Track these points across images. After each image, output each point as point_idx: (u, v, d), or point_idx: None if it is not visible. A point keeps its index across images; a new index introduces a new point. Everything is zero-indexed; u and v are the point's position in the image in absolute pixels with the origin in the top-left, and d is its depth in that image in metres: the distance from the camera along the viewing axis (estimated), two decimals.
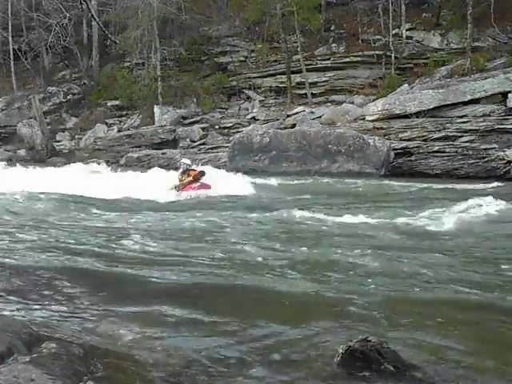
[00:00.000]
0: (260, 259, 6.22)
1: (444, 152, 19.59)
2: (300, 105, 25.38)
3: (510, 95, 20.12)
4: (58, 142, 28.04)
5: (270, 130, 21.76)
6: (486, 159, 18.92)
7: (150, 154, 24.25)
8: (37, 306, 4.21)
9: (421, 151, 19.84)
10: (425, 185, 15.67)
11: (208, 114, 26.68)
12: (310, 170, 18.95)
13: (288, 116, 24.39)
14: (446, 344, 3.68)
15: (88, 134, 27.94)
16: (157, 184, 13.61)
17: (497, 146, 19.17)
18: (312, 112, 23.96)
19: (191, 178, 13.73)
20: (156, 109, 27.19)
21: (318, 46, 27.31)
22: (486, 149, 19.18)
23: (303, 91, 26.21)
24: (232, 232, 8.02)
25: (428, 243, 7.32)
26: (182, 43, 29.36)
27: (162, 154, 23.87)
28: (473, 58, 22.45)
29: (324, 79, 26.61)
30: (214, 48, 29.37)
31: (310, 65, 26.49)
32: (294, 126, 22.92)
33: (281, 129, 22.28)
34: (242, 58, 28.85)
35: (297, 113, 24.33)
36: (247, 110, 27.10)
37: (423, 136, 20.34)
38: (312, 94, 25.86)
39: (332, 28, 27.89)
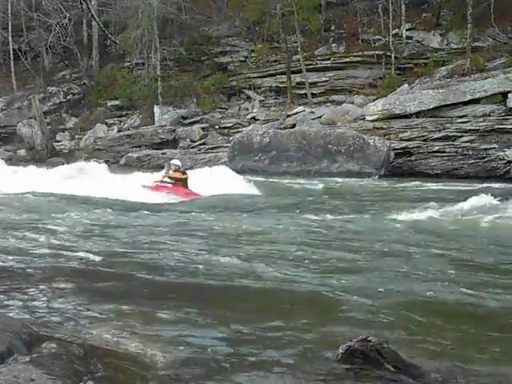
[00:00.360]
0: (260, 259, 6.22)
1: (444, 152, 19.60)
2: (300, 105, 25.38)
3: (510, 95, 20.12)
4: (58, 141, 28.04)
5: (269, 130, 21.76)
6: (486, 159, 18.92)
7: (149, 154, 24.25)
8: (37, 306, 4.21)
9: (421, 151, 19.85)
10: (425, 185, 15.68)
11: (208, 114, 26.68)
12: (309, 170, 18.96)
13: (288, 116, 24.39)
14: (446, 344, 3.68)
15: (88, 134, 27.94)
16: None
17: (497, 146, 19.18)
18: (312, 112, 23.96)
19: (185, 176, 13.56)
20: (156, 109, 27.19)
21: (318, 45, 27.30)
22: (486, 149, 19.18)
23: (303, 91, 26.20)
24: (230, 232, 8.02)
25: (428, 243, 7.32)
26: (181, 43, 29.36)
27: (162, 153, 23.86)
28: (473, 58, 22.44)
29: (324, 79, 26.60)
30: (214, 48, 29.36)
31: (310, 65, 26.49)
32: (293, 125, 22.92)
33: (281, 129, 22.28)
34: (242, 58, 28.85)
35: (297, 113, 24.33)
36: (247, 109, 27.10)
37: (423, 136, 20.35)
38: (312, 93, 25.86)
39: (332, 28, 27.89)
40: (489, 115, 20.20)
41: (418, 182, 16.21)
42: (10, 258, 5.86)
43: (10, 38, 30.31)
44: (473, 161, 19.11)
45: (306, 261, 6.16)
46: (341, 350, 3.01)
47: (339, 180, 17.24)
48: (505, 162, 18.48)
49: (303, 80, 25.91)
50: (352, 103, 24.25)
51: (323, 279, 5.41)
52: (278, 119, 24.46)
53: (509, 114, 19.96)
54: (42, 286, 4.77)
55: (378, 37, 26.35)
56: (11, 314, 3.77)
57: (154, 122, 27.02)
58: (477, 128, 19.94)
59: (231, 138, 22.83)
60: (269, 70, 27.74)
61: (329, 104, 25.26)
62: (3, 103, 30.27)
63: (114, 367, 2.90)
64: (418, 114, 20.85)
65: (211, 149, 23.71)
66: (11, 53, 29.95)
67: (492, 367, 3.34)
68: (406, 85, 23.55)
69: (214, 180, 14.11)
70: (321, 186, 15.93)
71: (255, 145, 20.40)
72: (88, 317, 4.03)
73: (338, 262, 6.10)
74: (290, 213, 9.96)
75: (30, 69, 31.40)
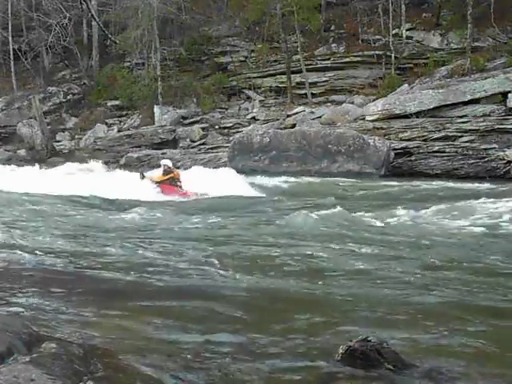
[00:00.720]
0: (259, 260, 6.22)
1: (444, 152, 19.60)
2: (300, 105, 25.39)
3: (510, 95, 20.13)
4: (58, 141, 28.03)
5: (270, 130, 21.76)
6: (486, 159, 18.92)
7: (149, 154, 24.24)
8: (37, 306, 4.21)
9: (421, 151, 19.84)
10: (425, 185, 15.68)
11: (208, 114, 26.68)
12: (310, 170, 18.95)
13: (288, 116, 24.40)
14: (446, 344, 3.68)
15: (88, 133, 27.94)
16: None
17: (497, 146, 19.18)
18: (312, 112, 23.96)
19: (169, 176, 13.48)
20: (156, 109, 27.19)
21: (318, 45, 27.30)
22: (486, 149, 19.18)
23: (303, 91, 26.21)
24: (229, 233, 8.02)
25: (428, 243, 7.32)
26: (181, 43, 29.36)
27: (162, 153, 23.84)
28: (473, 58, 22.45)
29: (324, 79, 26.61)
30: (214, 48, 29.37)
31: (310, 65, 26.49)
32: (294, 125, 22.93)
33: (281, 129, 22.28)
34: (242, 58, 28.85)
35: (297, 113, 24.33)
36: (247, 109, 27.11)
37: (423, 136, 20.35)
38: (312, 93, 25.86)
39: (332, 28, 27.89)
40: (489, 115, 20.21)
41: (417, 182, 16.20)
42: (10, 258, 5.86)
43: (10, 38, 30.31)
44: (473, 161, 19.11)
45: (304, 260, 6.16)
46: (341, 350, 3.01)
47: (339, 180, 17.24)
48: (505, 162, 18.48)
49: (303, 80, 25.92)
50: (352, 103, 24.25)
51: (322, 279, 5.41)
52: (278, 119, 24.47)
53: (509, 114, 19.97)
54: (41, 286, 4.77)
55: (377, 37, 26.36)
56: (11, 314, 3.77)
57: (154, 122, 27.02)
58: (477, 128, 19.95)
59: (231, 138, 22.83)
60: (269, 70, 27.74)
61: (329, 104, 25.26)
62: (3, 103, 30.27)
63: (113, 367, 2.90)
64: (418, 114, 20.85)
65: (211, 149, 23.71)
66: (11, 53, 29.94)
67: (492, 367, 3.34)
68: (406, 85, 23.55)
69: (217, 181, 14.06)
70: (321, 186, 15.94)
71: (255, 145, 20.41)
72: (88, 317, 4.03)
73: (336, 262, 6.10)
74: (286, 212, 9.95)
75: (30, 69, 31.40)
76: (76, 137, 28.43)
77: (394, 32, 25.32)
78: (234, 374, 3.13)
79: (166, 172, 13.72)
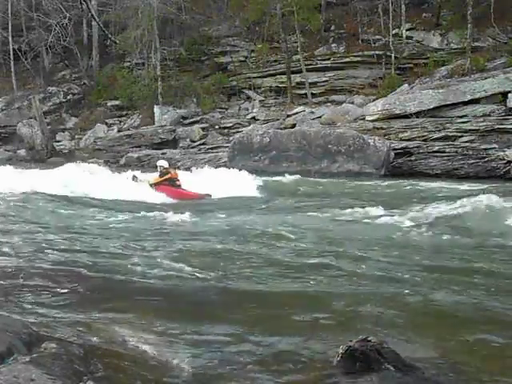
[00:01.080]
0: (259, 261, 6.22)
1: (444, 152, 19.60)
2: (300, 105, 25.40)
3: (510, 95, 20.13)
4: (58, 141, 28.05)
5: (270, 130, 21.76)
6: (486, 159, 18.92)
7: (149, 154, 24.25)
8: (37, 306, 4.21)
9: (421, 151, 19.84)
10: (425, 185, 15.67)
11: (208, 114, 26.69)
12: (310, 170, 18.94)
13: (288, 116, 24.40)
14: (446, 344, 3.68)
15: (88, 133, 27.95)
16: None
17: (497, 146, 19.18)
18: (312, 112, 23.97)
19: (167, 177, 13.35)
20: (156, 109, 27.20)
21: (318, 45, 27.32)
22: (486, 149, 19.18)
23: (303, 91, 26.22)
24: (229, 233, 8.02)
25: (428, 243, 7.32)
26: (182, 43, 29.37)
27: (162, 154, 23.85)
28: (473, 58, 22.45)
29: (324, 79, 26.62)
30: (213, 48, 29.38)
31: (310, 65, 26.50)
32: (294, 126, 22.93)
33: (281, 129, 22.29)
34: (242, 58, 28.86)
35: (297, 113, 24.34)
36: (247, 109, 27.11)
37: (423, 136, 20.35)
38: (312, 93, 25.87)
39: (332, 28, 27.91)
40: (489, 115, 20.21)
41: (417, 182, 16.20)
42: (10, 258, 5.86)
43: (10, 38, 30.34)
44: (473, 161, 19.11)
45: (304, 260, 6.16)
46: (341, 350, 3.01)
47: (339, 179, 17.24)
48: (505, 162, 18.47)
49: (303, 80, 25.92)
50: (352, 103, 24.26)
51: (322, 279, 5.41)
52: (278, 119, 24.48)
53: (509, 114, 19.97)
54: (42, 286, 4.77)
55: (378, 37, 26.38)
56: (11, 314, 3.77)
57: (154, 122, 27.04)
58: (477, 128, 19.95)
59: (231, 138, 22.83)
60: (269, 70, 27.76)
61: (329, 104, 25.27)
62: (3, 103, 30.28)
63: (114, 367, 2.91)
64: (418, 114, 20.86)
65: (211, 149, 23.72)
66: (11, 53, 29.97)
67: (492, 367, 3.34)
68: (406, 85, 23.56)
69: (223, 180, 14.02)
70: (320, 186, 15.94)
71: (255, 145, 20.41)
72: (88, 317, 4.03)
73: (337, 262, 6.10)
74: (286, 212, 9.95)
75: (30, 69, 31.41)
76: (76, 137, 28.45)
77: (394, 32, 25.33)
78: (233, 374, 3.13)
79: (163, 173, 13.47)
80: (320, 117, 23.25)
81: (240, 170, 16.38)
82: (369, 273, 5.63)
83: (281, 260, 6.23)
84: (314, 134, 20.13)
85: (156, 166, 14.07)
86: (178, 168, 16.51)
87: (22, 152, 27.07)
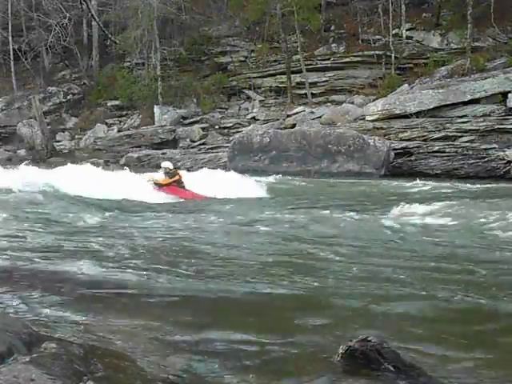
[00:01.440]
0: (259, 261, 6.22)
1: (444, 152, 19.61)
2: (300, 105, 25.41)
3: (510, 95, 20.14)
4: (58, 141, 28.06)
5: (270, 130, 21.78)
6: (486, 159, 18.94)
7: (149, 154, 24.26)
8: (37, 306, 4.21)
9: (421, 151, 19.86)
10: (425, 185, 15.67)
11: (208, 114, 26.71)
12: (310, 170, 18.97)
13: (288, 116, 24.42)
14: (445, 344, 3.68)
15: (88, 134, 27.96)
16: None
17: (497, 146, 19.20)
18: (312, 112, 23.98)
19: (176, 178, 13.33)
20: (156, 109, 27.21)
21: (318, 45, 27.33)
22: (486, 149, 19.20)
23: (303, 91, 26.23)
24: (229, 234, 8.02)
25: (428, 243, 7.32)
26: (182, 43, 29.39)
27: (162, 153, 23.88)
28: (473, 58, 22.47)
29: (324, 79, 26.64)
30: (213, 48, 29.40)
31: (310, 65, 26.51)
32: (294, 126, 22.95)
33: (281, 129, 22.30)
34: (242, 58, 28.88)
35: (297, 113, 24.35)
36: (247, 109, 27.12)
37: (423, 136, 20.36)
38: (312, 93, 25.88)
39: (332, 28, 27.92)
40: (489, 115, 20.23)
41: (417, 182, 16.20)
42: (10, 258, 5.86)
43: (10, 38, 30.35)
44: (473, 161, 19.13)
45: (304, 260, 6.17)
46: (341, 350, 3.01)
47: (339, 179, 17.25)
48: (505, 162, 18.49)
49: (303, 80, 25.93)
50: (352, 103, 24.27)
51: (322, 279, 5.41)
52: (278, 119, 24.49)
53: (509, 114, 19.98)
54: (42, 287, 4.77)
55: (378, 37, 26.39)
56: (11, 314, 3.77)
57: (154, 122, 27.05)
58: (477, 128, 19.97)
59: (231, 138, 22.85)
60: (269, 70, 27.77)
61: (329, 104, 25.28)
62: (3, 103, 30.29)
63: (114, 367, 2.90)
64: (418, 114, 20.88)
65: (211, 149, 23.73)
66: (11, 53, 29.98)
67: (493, 367, 3.34)
68: (406, 85, 23.57)
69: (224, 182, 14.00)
70: (320, 186, 15.94)
71: (255, 145, 20.42)
72: (88, 317, 4.03)
73: (337, 262, 6.10)
74: (280, 213, 9.94)
75: (30, 69, 31.42)
76: (76, 137, 28.46)
77: (394, 32, 25.34)
78: (233, 374, 3.13)
79: (172, 174, 13.41)
80: (320, 117, 23.26)
81: (240, 170, 16.38)
82: (369, 273, 5.63)
83: (281, 260, 6.23)
84: (314, 134, 20.15)
85: (160, 167, 14.08)
86: (179, 168, 16.47)
87: (22, 152, 27.08)
